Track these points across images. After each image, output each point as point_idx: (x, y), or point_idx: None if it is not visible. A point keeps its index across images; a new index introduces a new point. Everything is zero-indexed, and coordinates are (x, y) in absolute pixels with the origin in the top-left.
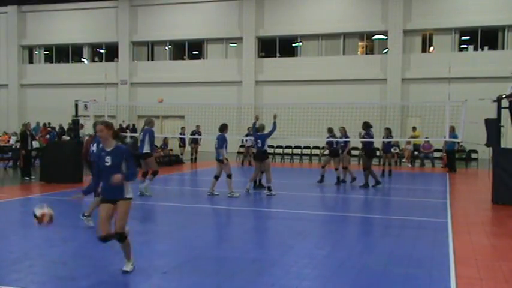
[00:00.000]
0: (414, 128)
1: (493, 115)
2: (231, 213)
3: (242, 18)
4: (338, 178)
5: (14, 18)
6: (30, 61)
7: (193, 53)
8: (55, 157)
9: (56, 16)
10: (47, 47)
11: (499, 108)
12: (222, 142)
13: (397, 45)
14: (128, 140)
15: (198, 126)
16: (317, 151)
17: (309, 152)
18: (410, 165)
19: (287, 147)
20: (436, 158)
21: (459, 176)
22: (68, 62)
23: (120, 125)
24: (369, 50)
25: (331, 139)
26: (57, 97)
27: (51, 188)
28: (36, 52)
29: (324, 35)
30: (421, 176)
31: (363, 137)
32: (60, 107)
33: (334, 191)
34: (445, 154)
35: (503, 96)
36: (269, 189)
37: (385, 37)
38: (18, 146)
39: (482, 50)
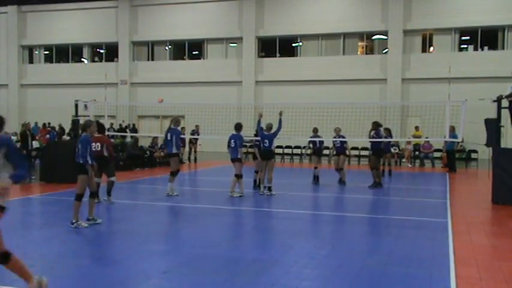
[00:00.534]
0: (417, 128)
1: (493, 115)
2: (231, 213)
3: (242, 18)
4: (316, 177)
5: (14, 18)
6: (30, 61)
7: (193, 53)
8: (55, 157)
9: (56, 16)
10: (47, 47)
11: (499, 108)
12: (241, 141)
13: (397, 45)
14: (128, 140)
15: (197, 127)
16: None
17: (309, 152)
18: (410, 165)
19: (287, 147)
20: (436, 158)
21: (459, 176)
22: (68, 62)
23: (120, 125)
24: (369, 50)
25: (313, 139)
26: (57, 97)
27: (51, 188)
28: (36, 52)
29: (324, 35)
30: (421, 176)
31: (373, 137)
32: (60, 107)
33: (334, 191)
34: (445, 154)
35: (503, 96)
36: (269, 189)
37: (385, 37)
38: (18, 146)
39: (482, 50)
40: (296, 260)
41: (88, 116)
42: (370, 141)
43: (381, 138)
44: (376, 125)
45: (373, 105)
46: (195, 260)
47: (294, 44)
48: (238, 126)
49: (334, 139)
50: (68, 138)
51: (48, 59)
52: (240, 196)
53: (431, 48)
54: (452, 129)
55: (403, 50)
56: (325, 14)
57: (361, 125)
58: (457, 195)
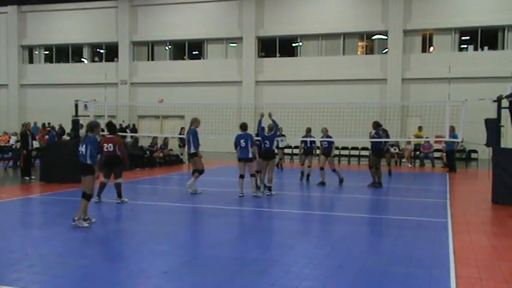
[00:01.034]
0: (420, 128)
1: (493, 115)
2: (231, 213)
3: (242, 18)
4: (305, 174)
5: (14, 18)
6: (30, 61)
7: (193, 53)
8: (55, 157)
9: (56, 16)
10: (47, 47)
11: (499, 108)
12: (252, 140)
13: (397, 45)
14: (128, 139)
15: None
16: (317, 151)
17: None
18: (410, 165)
19: (287, 147)
20: (436, 158)
21: (459, 176)
22: (68, 62)
23: (120, 125)
24: (369, 50)
25: (305, 138)
26: (57, 97)
27: (51, 188)
28: (36, 52)
29: (324, 35)
30: (421, 176)
31: (373, 137)
32: (60, 107)
33: (333, 191)
34: (445, 154)
35: (503, 96)
36: (269, 189)
37: (385, 37)
38: (18, 146)
39: (482, 50)
40: (296, 260)
41: (88, 116)
42: (371, 141)
43: (380, 138)
44: (376, 125)
45: (373, 105)
46: (195, 260)
47: (294, 44)
48: (245, 126)
49: (322, 139)
50: (68, 138)
51: (48, 59)
52: (240, 196)
53: (431, 48)
54: (452, 129)
55: (403, 50)
56: (325, 14)
57: (361, 125)
58: (457, 195)
